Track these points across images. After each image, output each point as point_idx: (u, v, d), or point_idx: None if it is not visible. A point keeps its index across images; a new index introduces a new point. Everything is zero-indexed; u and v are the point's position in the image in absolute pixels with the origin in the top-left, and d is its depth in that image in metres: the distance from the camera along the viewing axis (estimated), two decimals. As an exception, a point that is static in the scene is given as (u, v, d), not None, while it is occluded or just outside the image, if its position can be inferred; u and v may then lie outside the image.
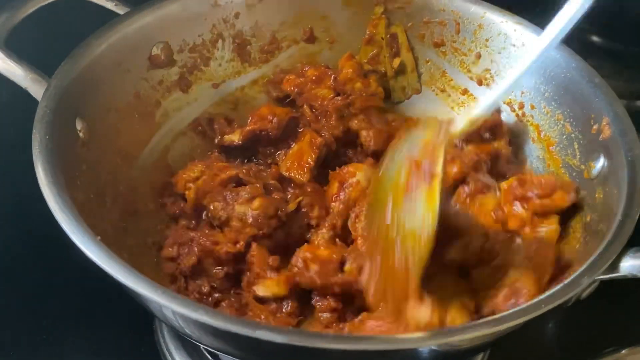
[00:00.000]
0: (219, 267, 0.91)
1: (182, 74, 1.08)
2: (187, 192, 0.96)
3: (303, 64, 1.13)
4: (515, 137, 1.06)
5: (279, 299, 0.89)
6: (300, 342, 0.65)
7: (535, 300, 0.71)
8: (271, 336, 0.65)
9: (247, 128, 1.04)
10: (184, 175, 0.98)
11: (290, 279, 0.89)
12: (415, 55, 1.15)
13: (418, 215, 0.76)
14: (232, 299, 0.91)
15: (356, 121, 1.05)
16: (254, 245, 0.91)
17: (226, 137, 1.06)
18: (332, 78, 1.08)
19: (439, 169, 0.77)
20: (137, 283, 0.69)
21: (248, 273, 0.91)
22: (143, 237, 0.95)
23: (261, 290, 0.89)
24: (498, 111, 1.05)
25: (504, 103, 1.08)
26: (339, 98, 1.06)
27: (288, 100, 1.09)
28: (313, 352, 0.66)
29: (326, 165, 1.02)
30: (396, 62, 1.14)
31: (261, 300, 0.89)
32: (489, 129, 1.03)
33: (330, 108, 1.05)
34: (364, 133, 1.05)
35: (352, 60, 1.11)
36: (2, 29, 0.94)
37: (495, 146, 1.02)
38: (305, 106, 1.07)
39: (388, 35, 1.14)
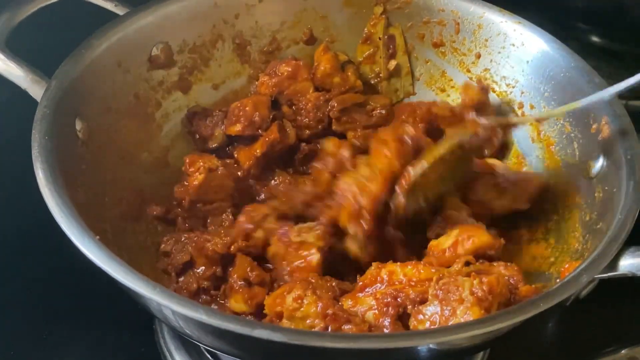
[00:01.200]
0: (204, 267, 0.91)
1: (182, 75, 1.08)
2: (196, 175, 0.96)
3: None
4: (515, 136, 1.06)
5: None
6: (299, 341, 0.65)
7: (535, 299, 0.70)
8: (270, 335, 0.65)
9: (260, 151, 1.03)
10: (199, 161, 0.98)
11: (258, 296, 0.88)
12: (415, 55, 1.15)
13: None
14: (217, 306, 0.91)
15: (340, 122, 1.06)
16: (237, 255, 0.91)
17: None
18: (306, 70, 1.07)
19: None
20: (136, 282, 0.69)
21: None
22: (143, 237, 0.95)
23: (231, 304, 0.89)
24: (485, 90, 1.05)
25: (504, 103, 1.08)
26: (317, 94, 1.06)
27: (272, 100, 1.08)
28: (312, 351, 0.66)
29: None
30: (392, 64, 1.14)
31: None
32: (475, 108, 1.04)
33: (309, 106, 1.05)
34: (351, 134, 1.06)
35: (328, 53, 1.10)
36: (2, 29, 0.94)
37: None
38: (284, 105, 1.07)
39: (386, 37, 1.14)
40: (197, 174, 0.97)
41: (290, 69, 1.06)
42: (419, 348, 0.68)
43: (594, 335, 1.00)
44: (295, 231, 0.89)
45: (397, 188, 0.90)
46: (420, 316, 0.77)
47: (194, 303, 0.68)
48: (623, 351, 0.96)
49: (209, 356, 0.95)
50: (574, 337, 1.01)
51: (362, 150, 1.04)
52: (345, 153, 1.00)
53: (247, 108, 1.02)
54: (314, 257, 0.89)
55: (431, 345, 0.67)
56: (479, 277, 0.77)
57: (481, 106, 1.04)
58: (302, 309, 0.79)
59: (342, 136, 1.08)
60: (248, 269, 0.89)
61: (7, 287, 1.00)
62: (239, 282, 0.89)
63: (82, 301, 1.00)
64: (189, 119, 1.07)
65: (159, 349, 0.97)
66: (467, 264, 0.85)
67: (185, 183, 0.98)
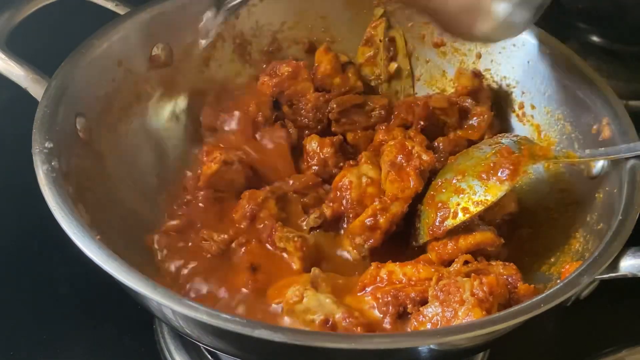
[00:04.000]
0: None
1: (182, 75, 1.08)
2: (210, 164, 0.97)
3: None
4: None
5: None
6: (300, 342, 0.65)
7: (535, 299, 0.70)
8: (270, 335, 0.65)
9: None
10: (217, 151, 0.98)
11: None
12: (415, 55, 1.15)
13: (478, 192, 0.88)
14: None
15: (339, 124, 1.06)
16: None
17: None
18: (307, 71, 1.07)
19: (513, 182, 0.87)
20: (136, 282, 0.69)
21: None
22: (144, 236, 0.95)
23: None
24: (479, 76, 1.06)
25: (505, 104, 1.08)
26: (316, 94, 1.06)
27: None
28: (312, 351, 0.66)
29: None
30: (392, 66, 1.14)
31: None
32: (470, 95, 1.05)
33: (309, 107, 1.05)
34: (350, 135, 1.06)
35: (328, 54, 1.10)
36: (3, 29, 0.94)
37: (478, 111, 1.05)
38: (284, 105, 1.07)
39: (386, 39, 1.14)
40: (211, 163, 0.97)
41: (290, 69, 1.06)
42: (420, 348, 0.68)
43: (595, 335, 1.00)
44: (278, 238, 0.90)
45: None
46: (421, 317, 0.78)
47: (194, 303, 0.68)
48: (623, 351, 0.96)
49: (209, 356, 0.95)
50: (574, 337, 1.01)
51: (351, 150, 1.06)
52: (328, 152, 1.01)
53: (250, 108, 1.03)
54: (295, 265, 0.90)
55: (432, 346, 0.67)
56: (479, 278, 0.77)
57: (476, 92, 1.05)
58: (304, 300, 0.80)
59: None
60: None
61: (7, 286, 1.00)
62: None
63: (82, 301, 1.00)
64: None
65: (159, 349, 0.97)
66: (466, 263, 0.85)
67: (199, 171, 0.98)
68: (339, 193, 0.95)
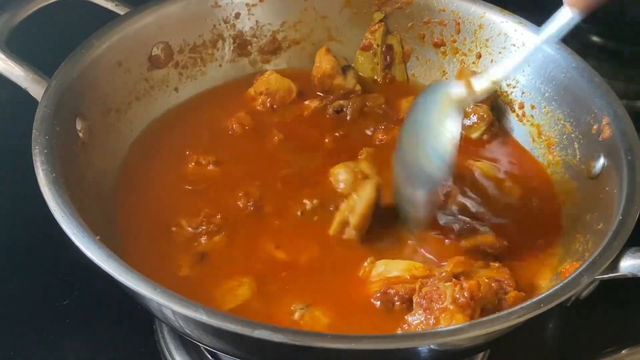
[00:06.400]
0: None
1: (182, 75, 1.08)
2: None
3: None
4: (515, 137, 1.07)
5: None
6: (300, 342, 0.65)
7: (535, 299, 0.70)
8: (270, 335, 0.65)
9: None
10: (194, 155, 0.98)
11: None
12: (415, 55, 1.15)
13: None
14: None
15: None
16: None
17: None
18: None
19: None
20: (136, 283, 0.69)
21: None
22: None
23: None
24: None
25: (505, 103, 1.08)
26: (312, 106, 1.07)
27: None
28: (312, 352, 0.66)
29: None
30: (387, 74, 1.15)
31: None
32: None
33: (306, 114, 1.07)
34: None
35: (329, 54, 1.10)
36: (3, 29, 0.94)
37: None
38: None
39: (384, 46, 1.14)
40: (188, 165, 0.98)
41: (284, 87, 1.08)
42: (420, 349, 0.68)
43: (595, 335, 1.00)
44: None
45: None
46: (406, 326, 0.78)
47: (194, 303, 0.68)
48: (623, 351, 0.96)
49: (209, 356, 0.95)
50: (574, 337, 1.01)
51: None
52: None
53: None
54: None
55: (432, 346, 0.68)
56: (460, 284, 0.77)
57: None
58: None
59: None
60: None
61: (7, 286, 1.00)
62: None
63: (82, 301, 1.00)
64: None
65: (159, 349, 0.97)
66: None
67: None
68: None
